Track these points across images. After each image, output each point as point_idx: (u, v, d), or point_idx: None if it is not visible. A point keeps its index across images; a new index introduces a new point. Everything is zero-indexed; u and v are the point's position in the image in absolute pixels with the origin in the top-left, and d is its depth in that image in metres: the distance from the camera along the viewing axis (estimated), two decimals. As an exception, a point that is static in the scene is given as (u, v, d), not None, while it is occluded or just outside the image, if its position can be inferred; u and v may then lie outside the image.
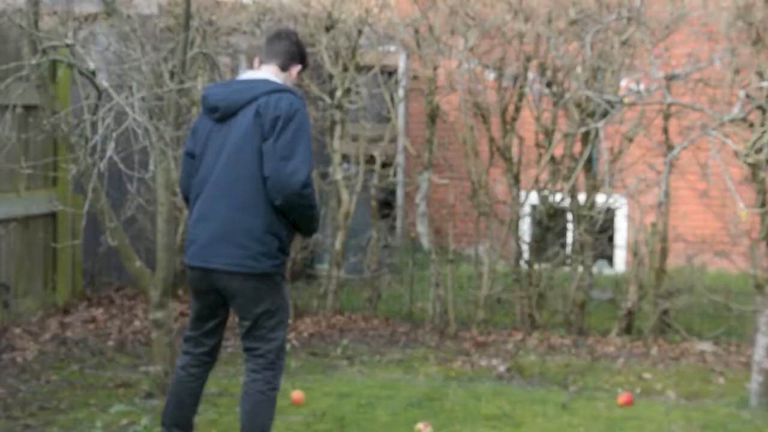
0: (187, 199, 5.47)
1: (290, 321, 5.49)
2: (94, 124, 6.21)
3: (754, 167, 8.19)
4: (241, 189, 5.16)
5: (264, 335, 5.25)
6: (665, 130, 8.97)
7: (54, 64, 7.25)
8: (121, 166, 5.92)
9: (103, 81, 6.20)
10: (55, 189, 9.12)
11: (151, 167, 6.37)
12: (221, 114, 5.25)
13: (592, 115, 8.61)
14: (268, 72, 5.41)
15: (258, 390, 5.24)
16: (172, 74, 6.88)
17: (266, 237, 5.15)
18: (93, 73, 6.20)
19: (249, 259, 5.14)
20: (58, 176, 8.84)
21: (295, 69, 5.49)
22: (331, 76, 9.62)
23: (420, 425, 6.22)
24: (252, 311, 5.23)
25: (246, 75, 5.51)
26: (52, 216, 9.19)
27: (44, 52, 6.26)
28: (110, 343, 8.31)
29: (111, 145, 5.87)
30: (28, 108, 8.29)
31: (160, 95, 6.65)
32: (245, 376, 5.35)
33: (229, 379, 7.36)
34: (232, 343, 8.45)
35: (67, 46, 6.36)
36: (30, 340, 8.20)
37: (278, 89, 5.26)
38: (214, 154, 5.23)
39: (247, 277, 5.17)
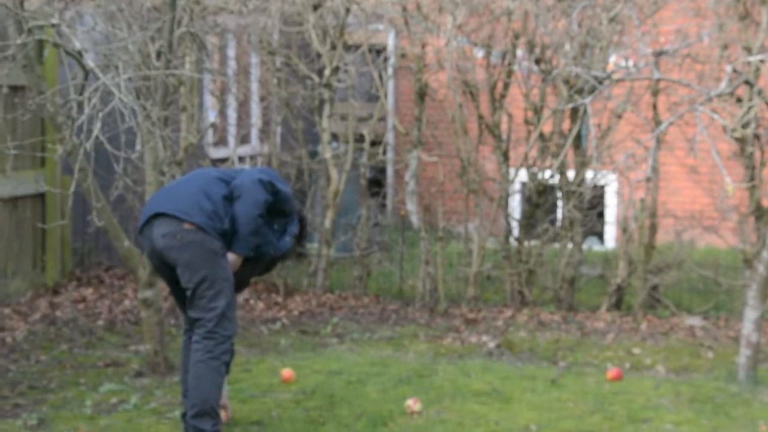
0: None
1: (236, 296, 5.62)
2: (80, 104, 6.19)
3: (742, 142, 8.20)
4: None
5: (204, 305, 5.39)
6: (654, 106, 8.97)
7: (40, 44, 7.22)
8: (108, 146, 5.91)
9: (89, 61, 6.17)
10: (43, 169, 9.11)
11: (138, 147, 6.36)
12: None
13: (580, 91, 8.61)
14: None
15: (197, 359, 5.39)
16: (159, 54, 6.86)
17: (207, 201, 5.41)
18: (79, 53, 6.18)
19: (186, 209, 5.39)
20: (46, 157, 8.82)
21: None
22: (319, 55, 9.60)
23: (410, 401, 6.24)
24: (191, 279, 5.38)
25: None
26: (41, 196, 9.17)
27: (30, 32, 6.23)
28: (100, 322, 8.31)
29: (97, 125, 5.85)
30: (15, 88, 8.28)
31: (147, 75, 6.63)
32: None
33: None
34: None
35: (53, 26, 6.33)
36: (19, 321, 8.20)
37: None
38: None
39: (180, 234, 5.35)
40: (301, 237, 5.89)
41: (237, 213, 5.43)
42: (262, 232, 5.51)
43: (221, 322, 5.39)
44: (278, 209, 5.56)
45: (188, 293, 5.45)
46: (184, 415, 5.58)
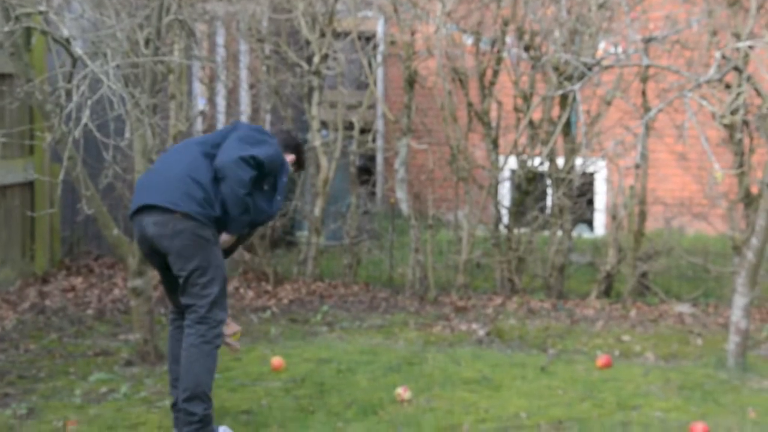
0: None
1: (229, 283, 5.60)
2: (69, 92, 6.15)
3: (731, 129, 8.22)
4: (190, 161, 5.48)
5: (197, 292, 5.38)
6: (643, 93, 8.97)
7: (28, 31, 7.19)
8: (97, 134, 5.88)
9: (77, 48, 6.14)
10: (31, 158, 9.08)
11: (127, 135, 6.33)
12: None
13: (570, 78, 8.60)
14: None
15: (190, 343, 5.38)
16: (147, 41, 6.84)
17: (195, 186, 5.35)
18: (67, 40, 6.14)
19: (176, 199, 5.33)
20: (34, 145, 8.79)
21: (289, 157, 5.78)
22: (308, 42, 9.58)
23: (400, 389, 6.24)
24: (184, 267, 5.36)
25: None
26: (30, 185, 9.14)
27: (17, 19, 6.19)
28: (89, 311, 8.30)
29: (86, 113, 5.82)
30: (3, 76, 8.26)
31: (135, 62, 6.60)
32: None
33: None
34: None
35: (41, 13, 6.29)
36: (9, 310, 8.18)
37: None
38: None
39: (175, 224, 5.32)
40: (300, 165, 5.87)
41: (224, 195, 5.40)
42: (252, 208, 5.45)
43: (213, 308, 5.40)
44: (266, 174, 5.51)
45: (180, 281, 5.44)
46: (174, 405, 5.57)
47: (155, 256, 5.51)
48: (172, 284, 5.59)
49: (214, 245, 5.43)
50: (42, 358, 7.06)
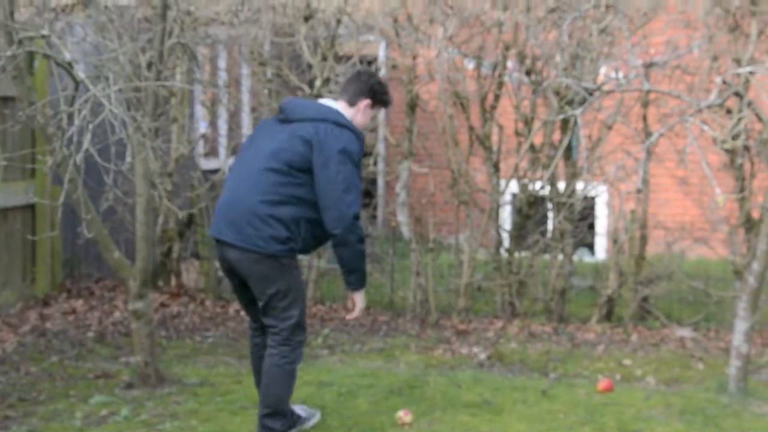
0: None
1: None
2: (70, 116, 6.18)
3: (732, 153, 8.23)
4: (268, 179, 5.48)
5: (278, 315, 5.55)
6: (644, 118, 8.99)
7: (31, 55, 7.21)
8: (98, 157, 5.90)
9: (80, 72, 6.17)
10: (33, 181, 9.09)
11: (129, 158, 6.35)
12: (283, 116, 5.66)
13: (571, 103, 8.62)
14: (338, 105, 5.74)
15: (273, 363, 5.57)
16: (149, 65, 6.86)
17: (277, 224, 5.43)
18: (70, 64, 6.17)
19: (259, 240, 5.44)
20: (36, 168, 8.80)
21: (363, 103, 5.75)
22: (310, 66, 9.60)
23: (401, 413, 6.23)
24: (264, 291, 5.52)
25: (322, 100, 5.87)
26: (31, 208, 9.16)
27: (20, 43, 6.22)
28: (90, 334, 8.30)
29: (88, 137, 5.84)
30: (5, 99, 8.28)
31: (137, 86, 6.62)
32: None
33: (209, 369, 7.37)
34: (212, 333, 8.46)
35: (44, 37, 6.32)
36: (9, 332, 8.18)
37: (341, 123, 5.57)
38: (257, 145, 5.66)
39: (254, 256, 5.45)
40: (383, 103, 5.87)
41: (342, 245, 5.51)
42: (358, 223, 5.53)
43: (295, 330, 5.59)
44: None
45: (261, 304, 5.58)
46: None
47: (234, 275, 5.65)
48: (249, 300, 5.73)
49: (294, 269, 5.58)
50: (42, 381, 7.05)
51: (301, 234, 5.50)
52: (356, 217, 5.44)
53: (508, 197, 10.05)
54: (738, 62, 7.68)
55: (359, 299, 5.78)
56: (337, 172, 5.41)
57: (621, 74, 9.01)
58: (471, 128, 9.25)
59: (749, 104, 7.09)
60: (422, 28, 9.27)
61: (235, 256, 5.52)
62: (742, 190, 8.34)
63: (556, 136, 9.10)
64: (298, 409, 6.00)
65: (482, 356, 7.90)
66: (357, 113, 5.74)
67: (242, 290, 5.71)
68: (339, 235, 5.45)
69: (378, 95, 5.78)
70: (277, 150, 5.51)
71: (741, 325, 6.89)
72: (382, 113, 12.25)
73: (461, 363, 7.76)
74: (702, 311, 9.05)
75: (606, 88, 8.12)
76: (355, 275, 5.68)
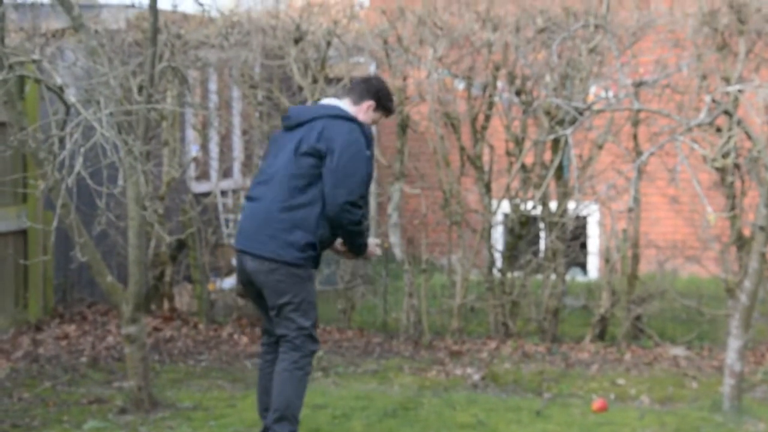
0: None
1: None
2: (62, 140, 6.18)
3: (723, 172, 8.26)
4: (285, 186, 5.70)
5: (289, 325, 5.72)
6: (634, 137, 9.01)
7: (21, 79, 7.21)
8: (90, 181, 5.90)
9: (71, 96, 6.17)
10: (25, 205, 9.07)
11: (120, 182, 6.35)
12: (290, 122, 5.87)
13: (561, 122, 8.64)
14: (341, 102, 5.94)
15: (284, 368, 5.70)
16: (140, 88, 6.86)
17: (297, 230, 5.66)
18: (61, 88, 6.18)
19: (277, 248, 5.66)
20: (27, 193, 8.79)
21: (367, 104, 5.93)
22: (300, 88, 9.62)
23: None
24: (275, 301, 5.70)
25: (324, 100, 6.11)
26: (23, 233, 9.13)
27: (11, 67, 6.23)
28: (83, 359, 8.27)
29: (79, 161, 5.84)
30: (-4, 124, 8.26)
31: (128, 110, 6.63)
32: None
33: (203, 392, 7.34)
34: (206, 357, 8.44)
35: (35, 61, 6.33)
36: (2, 358, 8.15)
37: (342, 115, 5.79)
38: (273, 155, 5.86)
39: (270, 265, 5.66)
40: (386, 110, 6.03)
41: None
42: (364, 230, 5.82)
43: (307, 340, 5.73)
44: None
45: (272, 313, 5.75)
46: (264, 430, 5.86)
47: (251, 286, 5.83)
48: (266, 312, 5.86)
49: (309, 281, 5.75)
50: (36, 407, 7.02)
51: (320, 232, 5.70)
52: (351, 204, 5.64)
53: (500, 217, 10.05)
54: (727, 81, 7.72)
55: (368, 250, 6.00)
56: (339, 159, 5.64)
57: (611, 93, 9.06)
58: (462, 149, 9.26)
59: (739, 122, 7.12)
60: (412, 50, 9.30)
61: (252, 265, 5.72)
62: (733, 208, 8.37)
63: (547, 155, 9.12)
64: None
65: (476, 377, 7.89)
66: (359, 112, 5.90)
67: (259, 301, 5.87)
68: (333, 217, 5.67)
69: (383, 100, 5.96)
70: (289, 157, 5.72)
71: (734, 343, 6.90)
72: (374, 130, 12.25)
73: (455, 384, 7.75)
74: (695, 330, 9.05)
75: (596, 107, 8.15)
76: (355, 247, 5.90)
